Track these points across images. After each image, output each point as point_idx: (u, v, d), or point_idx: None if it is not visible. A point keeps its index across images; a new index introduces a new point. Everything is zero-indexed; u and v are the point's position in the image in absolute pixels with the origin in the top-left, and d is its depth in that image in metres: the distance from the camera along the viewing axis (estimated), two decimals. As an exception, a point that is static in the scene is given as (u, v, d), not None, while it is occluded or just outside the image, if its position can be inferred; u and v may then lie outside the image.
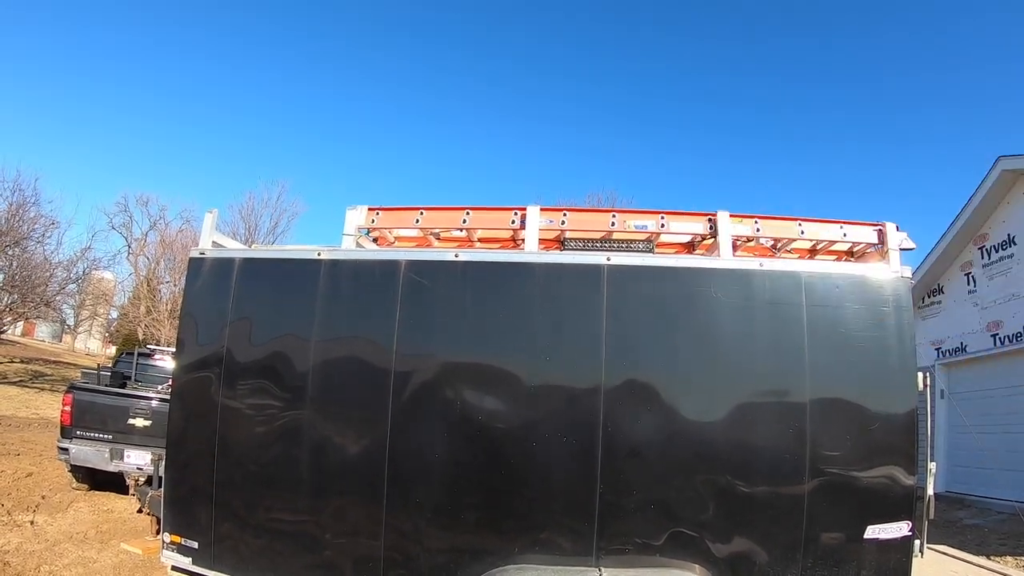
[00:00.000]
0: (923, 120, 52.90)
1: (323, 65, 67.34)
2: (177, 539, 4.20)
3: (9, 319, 24.93)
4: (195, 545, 4.15)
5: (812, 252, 4.76)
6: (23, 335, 41.32)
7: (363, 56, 67.96)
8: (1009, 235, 10.93)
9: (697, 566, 3.70)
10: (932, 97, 51.78)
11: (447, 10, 65.54)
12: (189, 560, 4.16)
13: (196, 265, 4.40)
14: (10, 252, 22.88)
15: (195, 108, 63.99)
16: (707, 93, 58.91)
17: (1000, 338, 10.89)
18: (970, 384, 11.54)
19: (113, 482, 8.03)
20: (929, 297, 12.91)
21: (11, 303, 23.52)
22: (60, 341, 45.83)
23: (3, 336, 27.15)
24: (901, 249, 4.22)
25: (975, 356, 11.49)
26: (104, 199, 59.72)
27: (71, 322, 39.47)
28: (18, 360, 27.12)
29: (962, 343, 11.89)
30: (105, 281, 38.10)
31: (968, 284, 11.91)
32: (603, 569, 3.69)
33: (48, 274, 24.62)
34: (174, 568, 4.28)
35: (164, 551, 4.25)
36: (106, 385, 8.68)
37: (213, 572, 4.12)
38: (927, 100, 51.95)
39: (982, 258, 11.56)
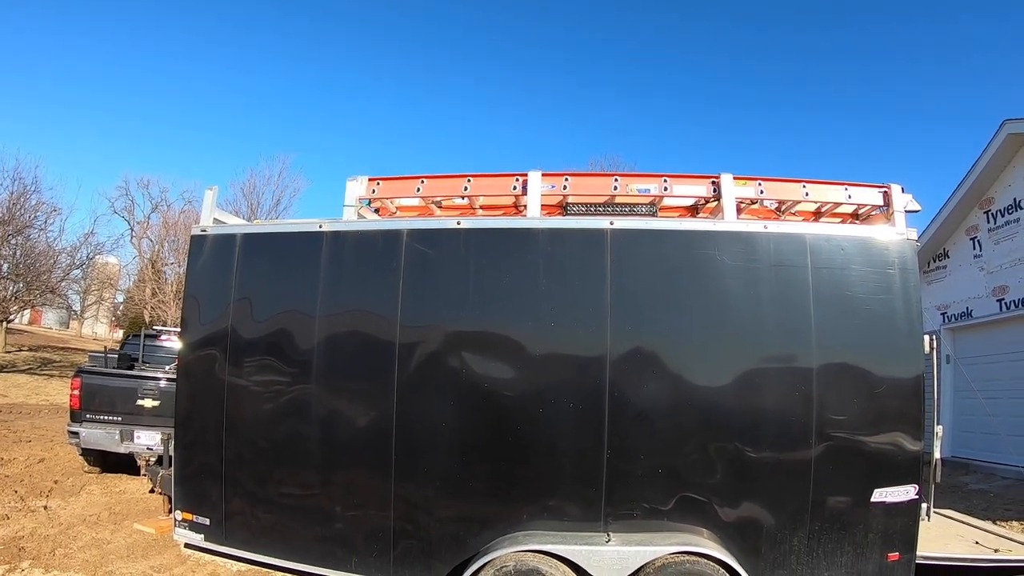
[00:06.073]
0: (928, 80, 52.20)
1: (321, 39, 66.76)
2: (189, 516, 4.24)
3: (15, 308, 25.06)
4: (206, 522, 4.20)
5: (817, 215, 4.72)
6: (30, 323, 41.59)
7: (362, 28, 67.35)
8: (1015, 199, 10.80)
9: (705, 530, 3.72)
10: (936, 58, 51.00)
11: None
12: (201, 537, 4.21)
13: (198, 243, 4.39)
14: (13, 241, 22.90)
15: (194, 87, 63.57)
16: (710, 55, 58.15)
17: (1006, 303, 10.82)
18: (976, 349, 11.49)
19: (124, 464, 8.10)
20: (934, 262, 12.81)
21: (16, 292, 23.61)
22: (67, 327, 46.06)
23: (10, 325, 27.29)
24: (907, 211, 4.19)
25: (981, 321, 11.43)
26: (105, 183, 59.32)
27: (77, 308, 39.55)
28: (26, 348, 27.29)
29: (968, 308, 11.81)
30: (110, 266, 38.19)
31: (974, 248, 11.80)
32: (611, 534, 3.71)
33: (52, 261, 24.70)
34: (187, 545, 4.34)
35: (176, 528, 4.30)
36: (113, 368, 8.70)
37: (225, 547, 4.18)
38: (930, 64, 51.18)
39: (988, 222, 11.44)
